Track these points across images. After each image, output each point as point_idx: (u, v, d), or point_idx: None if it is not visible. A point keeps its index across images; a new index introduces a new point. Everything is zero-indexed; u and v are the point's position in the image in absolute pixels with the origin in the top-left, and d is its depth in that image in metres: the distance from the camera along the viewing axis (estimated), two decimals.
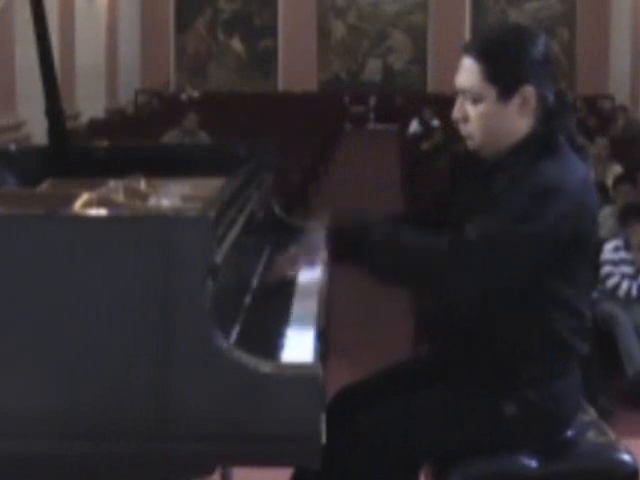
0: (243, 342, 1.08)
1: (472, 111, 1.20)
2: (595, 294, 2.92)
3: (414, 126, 7.39)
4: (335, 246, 1.21)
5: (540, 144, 1.18)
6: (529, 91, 1.18)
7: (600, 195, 5.22)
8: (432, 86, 10.72)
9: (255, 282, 1.38)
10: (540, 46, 1.20)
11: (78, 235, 1.05)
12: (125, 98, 9.51)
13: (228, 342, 1.04)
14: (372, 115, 10.85)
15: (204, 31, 11.12)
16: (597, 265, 2.94)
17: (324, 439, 1.03)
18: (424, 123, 7.31)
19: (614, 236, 3.04)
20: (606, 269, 2.90)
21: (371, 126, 10.68)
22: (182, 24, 11.08)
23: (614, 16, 10.26)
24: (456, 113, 1.22)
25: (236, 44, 11.15)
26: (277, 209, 1.73)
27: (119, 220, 1.09)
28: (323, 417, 1.03)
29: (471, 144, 1.22)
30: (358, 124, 10.60)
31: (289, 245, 1.49)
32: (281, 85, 11.01)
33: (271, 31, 11.04)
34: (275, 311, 1.28)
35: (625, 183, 3.69)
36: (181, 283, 1.03)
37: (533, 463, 1.21)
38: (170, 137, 5.52)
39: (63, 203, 1.24)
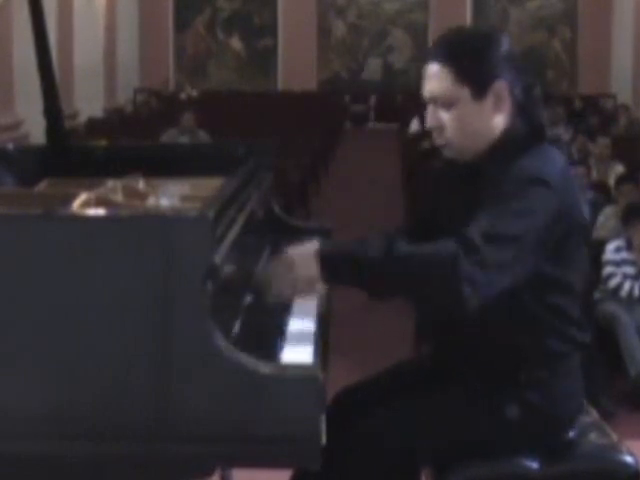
0: (243, 343, 1.08)
1: (447, 117, 1.18)
2: (597, 294, 2.92)
3: (414, 125, 7.37)
4: (327, 267, 1.13)
5: (517, 140, 1.18)
6: (502, 86, 1.17)
7: (602, 195, 5.11)
8: None
9: (255, 283, 1.37)
10: (503, 44, 1.19)
11: (77, 235, 1.05)
12: (124, 97, 9.50)
13: (228, 342, 1.04)
14: (372, 114, 10.83)
15: (203, 30, 11.10)
16: (599, 265, 2.93)
17: (324, 440, 1.03)
18: (425, 122, 7.24)
19: (616, 236, 3.03)
20: (608, 270, 2.89)
21: (371, 125, 10.66)
22: (181, 23, 11.06)
23: (616, 14, 10.24)
24: (430, 122, 1.20)
25: (235, 43, 11.13)
26: (277, 209, 1.72)
27: (118, 220, 1.08)
28: (323, 418, 1.03)
29: (448, 152, 1.20)
30: (358, 123, 10.58)
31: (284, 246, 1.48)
32: (281, 84, 10.99)
33: (271, 30, 11.02)
34: (275, 311, 1.27)
35: (627, 183, 3.66)
36: (180, 283, 1.02)
37: (534, 464, 1.21)
38: (169, 136, 5.52)
39: (61, 203, 1.24)
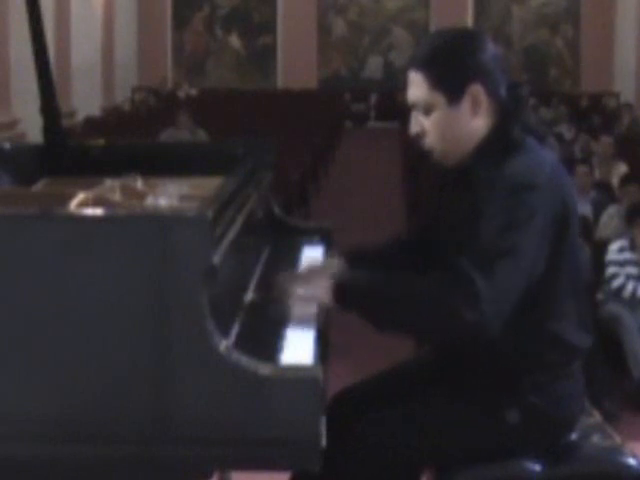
0: (242, 344, 1.07)
1: (427, 122, 1.20)
2: (600, 295, 2.91)
3: None
4: (340, 299, 1.20)
5: (501, 142, 1.18)
6: (477, 90, 1.18)
7: (605, 195, 5.07)
8: None
9: (254, 283, 1.36)
10: (482, 45, 1.20)
11: (74, 235, 1.04)
12: (121, 96, 9.48)
13: (227, 344, 1.03)
14: (373, 113, 10.83)
15: (202, 27, 11.08)
16: (601, 266, 2.91)
17: (324, 442, 1.02)
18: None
19: (619, 236, 3.01)
20: (611, 270, 2.88)
21: (372, 124, 10.66)
22: (179, 20, 11.05)
23: (619, 12, 10.23)
24: (413, 128, 1.22)
25: (234, 41, 11.11)
26: (276, 209, 1.71)
27: (115, 220, 1.08)
28: (323, 420, 1.02)
29: (435, 156, 1.22)
30: (359, 122, 10.58)
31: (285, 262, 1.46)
32: (280, 82, 10.98)
33: (270, 27, 11.01)
34: (274, 312, 1.26)
35: (632, 183, 3.65)
36: (178, 284, 1.02)
37: (537, 467, 1.20)
38: (168, 135, 5.52)
39: (59, 202, 1.24)
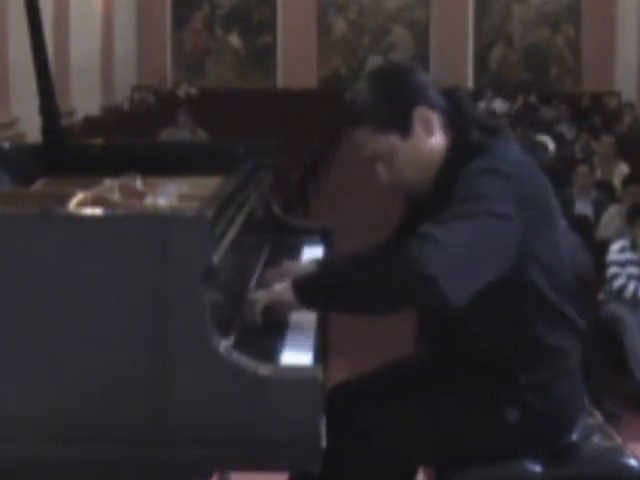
0: (242, 344, 1.07)
1: (394, 167, 1.21)
2: (601, 295, 2.91)
3: None
4: (301, 293, 1.18)
5: (464, 148, 1.19)
6: (421, 111, 1.19)
7: (606, 194, 5.06)
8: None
9: (254, 283, 1.36)
10: (406, 70, 1.22)
11: (73, 235, 1.04)
12: (121, 95, 9.47)
13: (227, 344, 1.03)
14: None
15: (201, 26, 11.08)
16: (602, 266, 2.91)
17: (324, 443, 1.02)
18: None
19: (620, 236, 3.01)
20: (612, 270, 2.88)
21: None
22: (179, 19, 11.04)
23: (620, 11, 10.22)
24: (385, 182, 1.23)
25: (234, 40, 11.11)
26: (276, 208, 1.71)
27: (115, 219, 1.08)
28: (323, 420, 1.02)
29: (409, 189, 1.23)
30: None
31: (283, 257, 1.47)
32: (280, 82, 10.98)
33: (270, 26, 11.00)
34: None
35: (634, 183, 3.64)
36: (178, 284, 1.02)
37: (537, 468, 1.20)
38: (168, 134, 5.52)
39: (58, 202, 1.24)
